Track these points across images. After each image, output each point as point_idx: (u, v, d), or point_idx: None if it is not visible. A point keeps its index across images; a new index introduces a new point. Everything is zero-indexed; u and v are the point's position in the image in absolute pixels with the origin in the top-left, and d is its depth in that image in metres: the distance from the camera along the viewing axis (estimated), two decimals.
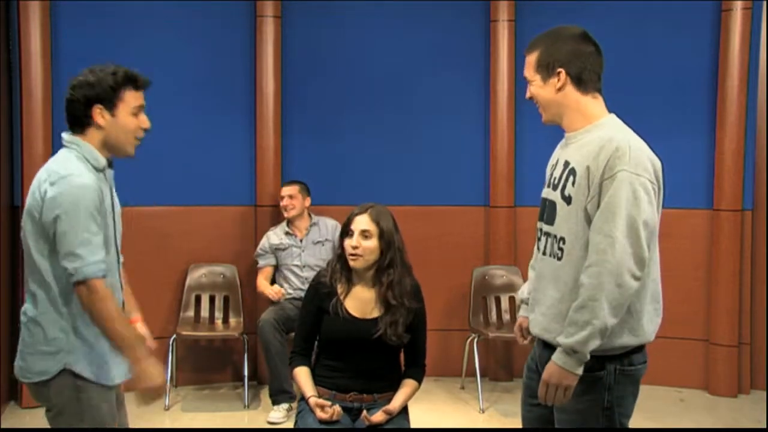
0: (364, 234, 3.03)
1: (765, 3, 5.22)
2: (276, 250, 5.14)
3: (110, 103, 2.43)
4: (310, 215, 5.22)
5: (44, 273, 2.40)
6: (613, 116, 2.44)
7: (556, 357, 2.28)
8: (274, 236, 5.17)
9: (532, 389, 2.51)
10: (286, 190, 5.19)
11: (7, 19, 4.89)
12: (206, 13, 5.34)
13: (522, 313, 2.70)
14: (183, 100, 5.16)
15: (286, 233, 5.16)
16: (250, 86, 5.44)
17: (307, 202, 5.20)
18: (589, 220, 2.30)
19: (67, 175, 2.35)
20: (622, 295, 2.22)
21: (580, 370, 2.26)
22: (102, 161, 2.46)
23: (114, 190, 2.57)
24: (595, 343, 2.23)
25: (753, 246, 5.37)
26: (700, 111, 5.39)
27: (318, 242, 5.11)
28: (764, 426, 4.67)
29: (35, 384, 2.45)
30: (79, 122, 2.46)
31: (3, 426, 4.53)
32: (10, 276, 4.89)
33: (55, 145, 4.92)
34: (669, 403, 5.18)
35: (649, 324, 2.38)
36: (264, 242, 5.18)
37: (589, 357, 2.26)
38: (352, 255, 3.03)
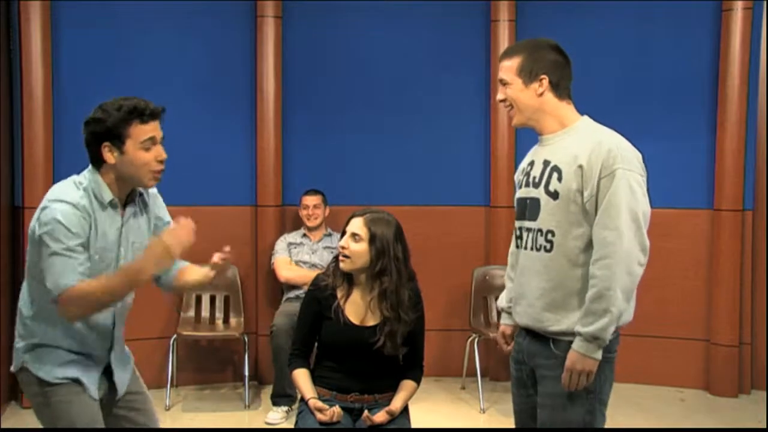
0: (354, 236, 3.02)
1: (765, 3, 5.22)
2: (290, 244, 5.21)
3: (118, 140, 2.37)
4: (326, 226, 5.28)
5: (26, 278, 2.50)
6: (586, 118, 2.60)
7: (577, 345, 2.41)
8: (290, 236, 5.28)
9: (522, 380, 2.67)
10: (311, 200, 5.24)
11: (8, 20, 4.88)
12: (206, 13, 5.33)
13: (503, 321, 2.84)
14: (183, 100, 5.15)
15: (303, 235, 5.26)
16: (251, 86, 5.44)
17: (327, 211, 5.27)
18: (585, 215, 2.45)
19: (54, 199, 2.35)
20: (632, 282, 2.41)
21: (599, 355, 2.41)
22: (107, 197, 2.41)
23: (131, 227, 2.52)
24: (612, 328, 2.40)
25: (753, 246, 5.37)
26: (700, 111, 5.39)
27: (329, 248, 5.14)
28: (765, 426, 4.67)
29: (18, 375, 2.53)
30: (93, 160, 2.42)
31: (3, 426, 4.53)
32: (10, 276, 4.89)
33: (55, 146, 4.93)
34: (669, 403, 5.18)
35: (632, 307, 2.53)
36: (280, 241, 5.26)
37: (608, 342, 2.41)
38: (341, 255, 3.04)
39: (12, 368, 2.54)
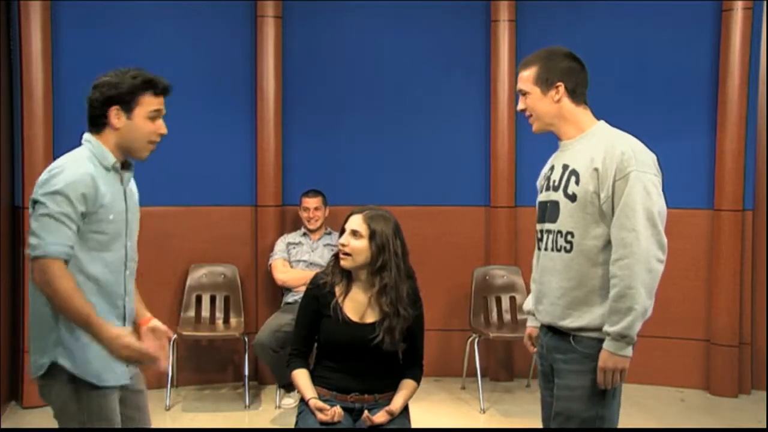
0: (354, 233, 3.04)
1: (765, 3, 5.22)
2: (289, 244, 5.21)
3: (127, 105, 2.44)
4: (326, 226, 5.28)
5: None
6: (602, 123, 2.69)
7: (607, 345, 2.49)
8: (290, 236, 5.28)
9: (546, 375, 2.75)
10: (312, 202, 5.22)
11: (8, 20, 4.88)
12: (206, 13, 5.34)
13: (529, 323, 2.92)
14: (183, 100, 5.11)
15: (303, 234, 5.26)
16: (251, 86, 5.44)
17: (327, 212, 5.25)
18: (602, 216, 2.53)
19: (65, 165, 2.38)
20: (653, 279, 2.49)
21: (629, 352, 2.49)
22: (110, 160, 2.45)
23: (129, 192, 2.56)
24: (638, 325, 2.48)
25: (753, 246, 5.37)
26: (700, 111, 5.39)
27: (329, 245, 5.13)
28: (764, 426, 4.67)
29: (38, 380, 2.44)
30: (96, 122, 2.47)
31: (3, 426, 4.53)
32: (10, 276, 4.89)
33: (56, 145, 4.92)
34: (669, 403, 5.19)
35: (651, 304, 2.58)
36: (279, 241, 5.26)
37: (636, 339, 2.48)
38: (341, 253, 3.05)
39: (34, 372, 2.43)
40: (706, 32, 5.33)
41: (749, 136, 5.26)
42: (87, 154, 2.45)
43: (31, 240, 2.31)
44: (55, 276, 2.28)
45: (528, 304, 2.90)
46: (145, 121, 2.47)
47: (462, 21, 5.63)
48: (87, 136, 2.49)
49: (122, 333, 2.33)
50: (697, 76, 5.38)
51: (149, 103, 2.47)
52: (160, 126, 2.52)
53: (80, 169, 2.37)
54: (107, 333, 2.30)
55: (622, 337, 2.47)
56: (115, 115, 2.44)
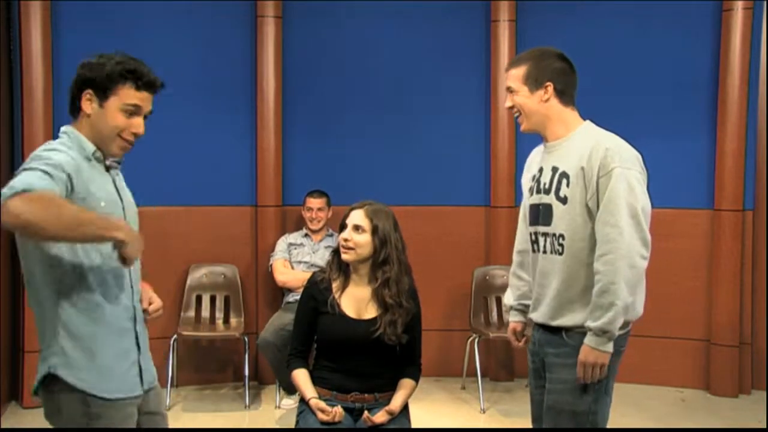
0: (357, 228, 3.05)
1: (765, 3, 5.22)
2: (290, 245, 5.22)
3: (102, 92, 2.20)
4: (327, 227, 5.27)
5: (32, 267, 2.24)
6: (588, 123, 2.71)
7: (588, 339, 2.51)
8: (291, 237, 5.28)
9: (538, 371, 2.76)
10: (316, 203, 5.22)
11: (8, 19, 4.89)
12: (206, 13, 5.34)
13: (513, 318, 2.93)
14: (183, 101, 5.15)
15: (304, 235, 5.26)
16: (251, 86, 5.44)
17: (330, 213, 5.25)
18: (590, 215, 2.55)
19: (40, 153, 2.12)
20: (635, 276, 2.50)
21: (610, 347, 2.51)
22: (89, 148, 2.21)
23: (121, 187, 2.34)
24: (620, 321, 2.50)
25: (754, 246, 5.36)
26: (700, 111, 5.39)
27: (330, 247, 5.13)
28: (765, 426, 4.67)
29: (41, 397, 2.21)
30: (72, 105, 2.25)
31: (3, 426, 4.53)
32: (10, 276, 4.88)
33: None
34: (670, 403, 5.18)
35: (641, 300, 2.62)
36: (281, 241, 5.26)
37: (617, 334, 2.51)
38: (344, 248, 3.06)
39: (33, 389, 2.21)
40: (706, 32, 5.33)
41: (749, 136, 5.26)
42: (63, 140, 2.21)
43: (6, 186, 1.93)
44: (38, 200, 1.90)
45: (509, 298, 2.93)
46: (117, 113, 2.21)
47: (462, 21, 5.63)
48: (63, 128, 2.26)
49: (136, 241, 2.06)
50: (697, 76, 5.38)
51: (127, 95, 2.21)
52: (136, 124, 2.23)
53: (59, 152, 2.12)
54: (119, 228, 2.02)
55: (603, 333, 2.48)
56: (87, 100, 2.21)
